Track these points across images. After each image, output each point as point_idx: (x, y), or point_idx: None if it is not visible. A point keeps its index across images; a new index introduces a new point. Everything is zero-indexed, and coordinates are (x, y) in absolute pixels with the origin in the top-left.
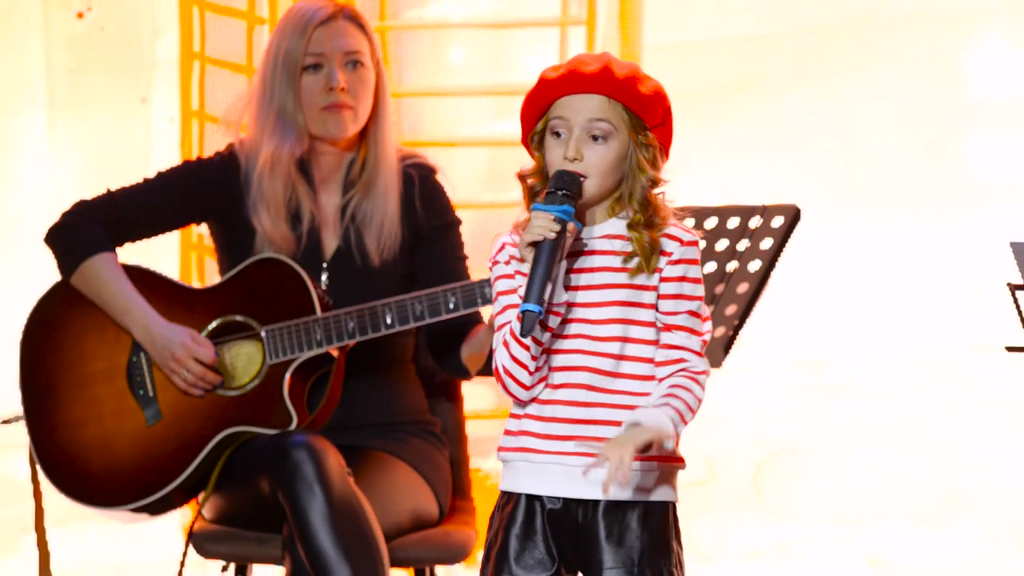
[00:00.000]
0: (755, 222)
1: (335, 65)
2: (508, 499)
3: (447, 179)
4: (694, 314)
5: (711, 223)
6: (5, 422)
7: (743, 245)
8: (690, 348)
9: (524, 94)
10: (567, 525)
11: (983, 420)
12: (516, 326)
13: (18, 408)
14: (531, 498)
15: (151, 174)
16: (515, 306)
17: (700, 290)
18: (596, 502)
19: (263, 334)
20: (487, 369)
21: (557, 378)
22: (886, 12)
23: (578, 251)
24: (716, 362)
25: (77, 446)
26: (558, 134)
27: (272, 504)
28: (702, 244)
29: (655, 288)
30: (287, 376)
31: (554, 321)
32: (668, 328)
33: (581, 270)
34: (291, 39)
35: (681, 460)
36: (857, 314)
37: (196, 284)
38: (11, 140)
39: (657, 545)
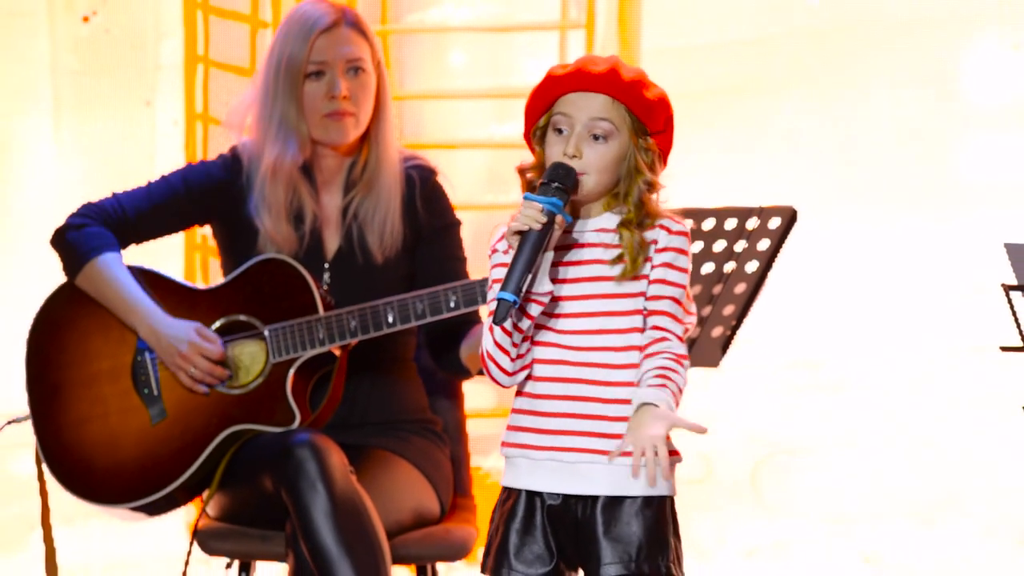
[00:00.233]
0: (752, 223)
1: (337, 73)
2: (509, 495)
3: (447, 180)
4: (677, 301)
5: (708, 224)
6: (12, 422)
7: (740, 246)
8: (673, 332)
9: (524, 97)
10: (567, 521)
11: (979, 419)
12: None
13: (24, 407)
14: (531, 494)
15: (155, 176)
16: None
17: (685, 279)
18: (594, 498)
19: (266, 333)
20: None
21: (547, 371)
22: (882, 16)
23: (569, 244)
24: (714, 362)
25: (82, 444)
26: (560, 130)
27: (275, 502)
28: (699, 246)
29: (645, 277)
30: (290, 375)
31: (536, 310)
32: (652, 313)
33: (571, 263)
34: (293, 45)
35: (677, 453)
36: (853, 314)
37: (200, 284)
38: (17, 142)
39: (655, 540)
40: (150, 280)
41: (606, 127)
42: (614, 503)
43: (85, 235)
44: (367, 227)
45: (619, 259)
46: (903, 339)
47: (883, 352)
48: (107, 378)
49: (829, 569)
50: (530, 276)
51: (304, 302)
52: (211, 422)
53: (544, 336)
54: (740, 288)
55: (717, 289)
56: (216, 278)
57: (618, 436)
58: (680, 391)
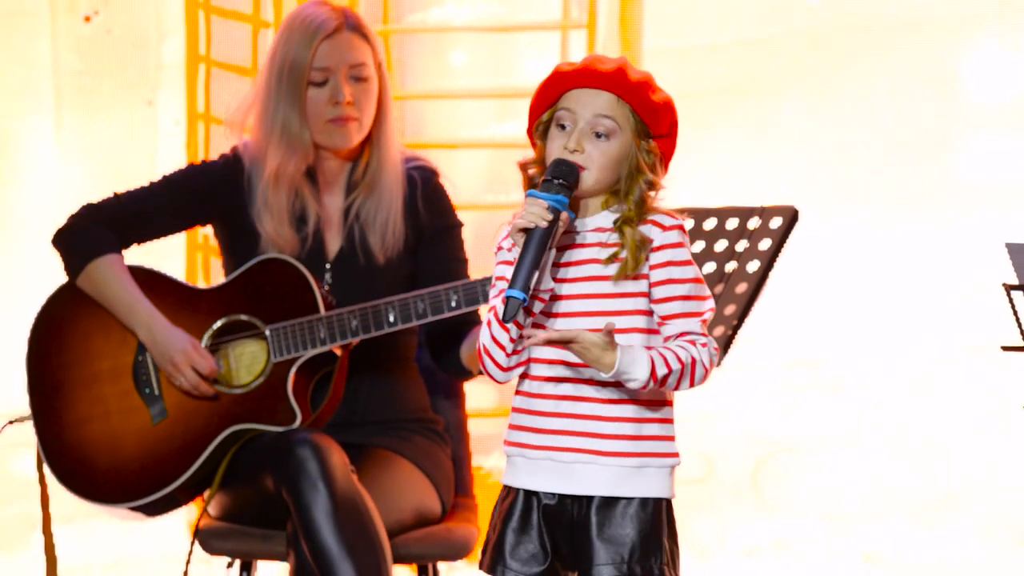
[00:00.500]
0: (753, 223)
1: (341, 78)
2: (508, 493)
3: (449, 181)
4: (688, 297)
5: (710, 224)
6: (13, 421)
7: (741, 246)
8: (692, 331)
9: (526, 97)
10: (562, 521)
11: (979, 418)
12: (501, 308)
13: (25, 407)
14: (528, 493)
15: (157, 176)
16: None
17: (691, 271)
18: (590, 498)
19: (267, 333)
20: None
21: (544, 371)
22: (883, 16)
23: (569, 242)
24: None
25: (83, 444)
26: (563, 126)
27: (276, 501)
28: (700, 246)
29: (645, 277)
30: (291, 374)
31: (538, 307)
32: (665, 319)
33: (569, 263)
34: (296, 50)
35: (676, 455)
36: (854, 314)
37: (202, 284)
38: (18, 142)
39: (648, 542)
40: (151, 280)
41: (609, 125)
42: (608, 504)
43: (86, 236)
44: (369, 228)
45: (614, 258)
46: (904, 339)
47: (884, 352)
48: (108, 378)
49: (829, 568)
50: (537, 273)
51: (305, 302)
52: (212, 422)
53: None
54: (741, 288)
55: (718, 289)
56: (218, 278)
57: (614, 437)
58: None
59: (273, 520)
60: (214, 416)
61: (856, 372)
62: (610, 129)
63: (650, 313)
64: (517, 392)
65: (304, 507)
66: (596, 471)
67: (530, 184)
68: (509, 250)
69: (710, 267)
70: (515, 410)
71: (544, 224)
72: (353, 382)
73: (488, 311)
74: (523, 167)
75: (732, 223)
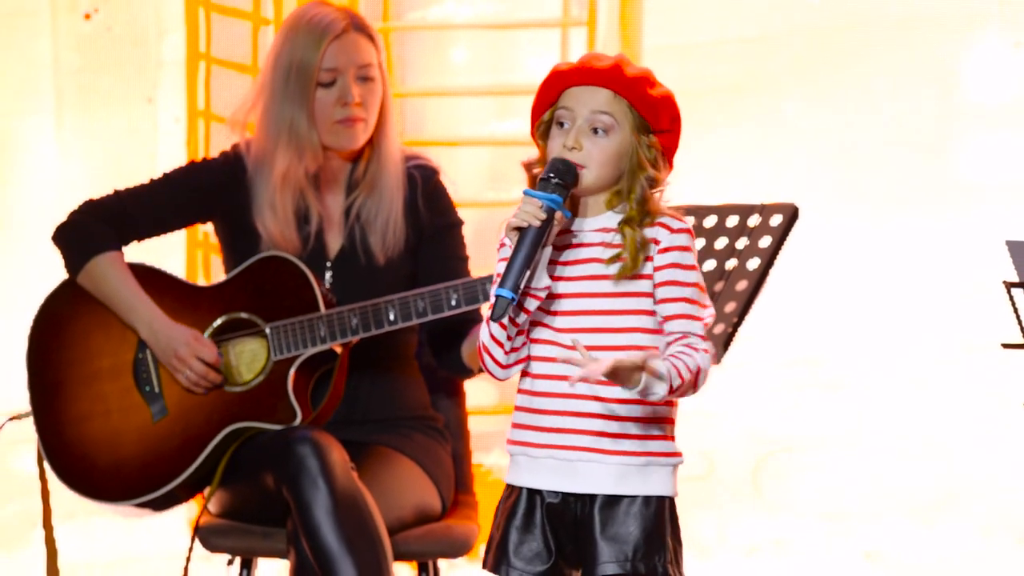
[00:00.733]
0: (754, 220)
1: (349, 79)
2: (511, 492)
3: (449, 179)
4: (691, 301)
5: (710, 221)
6: (13, 418)
7: (742, 243)
8: (693, 332)
9: (526, 94)
10: (566, 519)
11: (980, 417)
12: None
13: (26, 404)
14: (532, 492)
15: (157, 173)
16: None
17: (694, 276)
18: (593, 497)
19: (267, 331)
20: None
21: (546, 369)
22: (884, 14)
23: (569, 242)
24: (716, 359)
25: (84, 442)
26: (562, 124)
27: (277, 499)
28: (701, 243)
29: (649, 277)
30: (291, 372)
31: (533, 305)
32: (668, 318)
33: (571, 261)
34: (304, 52)
35: (678, 454)
36: (855, 312)
37: (202, 282)
38: (19, 140)
39: (652, 540)
40: (152, 277)
41: (606, 121)
42: (612, 502)
43: (87, 233)
44: (370, 228)
45: (616, 258)
46: (904, 337)
47: (884, 350)
48: (108, 375)
49: (830, 566)
50: (528, 272)
51: (306, 300)
52: (212, 420)
53: (543, 334)
54: (742, 285)
55: (719, 286)
56: (218, 275)
57: (618, 435)
58: (688, 368)
59: (273, 517)
60: (214, 414)
61: (857, 370)
62: (608, 125)
63: (653, 313)
64: (519, 391)
65: (304, 505)
66: (600, 469)
67: (534, 183)
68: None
69: (710, 264)
70: (518, 409)
71: (537, 223)
72: (353, 380)
73: (489, 308)
74: (527, 167)
75: (732, 220)
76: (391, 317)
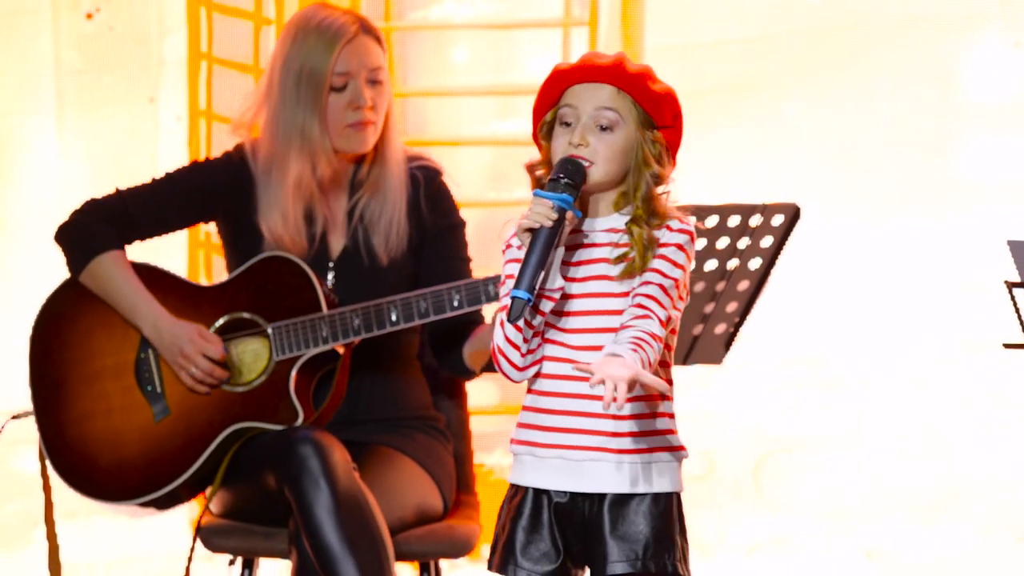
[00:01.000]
0: (755, 220)
1: (360, 83)
2: (516, 492)
3: (451, 180)
4: (665, 289)
5: (712, 221)
6: (16, 417)
7: (744, 243)
8: (655, 313)
9: (527, 94)
10: (574, 519)
11: (980, 416)
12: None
13: (27, 404)
14: (538, 492)
15: (159, 173)
16: None
17: (678, 273)
18: (602, 496)
19: (270, 331)
20: (492, 366)
21: (554, 369)
22: (884, 14)
23: (578, 242)
24: (717, 359)
25: (86, 441)
26: (567, 123)
27: (278, 499)
28: (702, 243)
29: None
30: (293, 372)
31: (548, 306)
32: (638, 294)
33: (579, 262)
34: (315, 56)
35: (683, 448)
36: (855, 312)
37: (203, 281)
38: (20, 140)
39: (662, 538)
40: (154, 277)
41: (611, 116)
42: (621, 501)
43: (89, 232)
44: (373, 228)
45: (622, 258)
46: (905, 336)
47: (885, 349)
48: (110, 375)
49: (831, 565)
50: (543, 273)
51: (308, 300)
52: (214, 420)
53: (551, 334)
54: (743, 285)
55: (720, 286)
56: (220, 275)
57: (625, 434)
58: (649, 364)
59: (275, 518)
60: (216, 414)
61: (857, 370)
62: (613, 121)
63: None
64: (528, 391)
65: (306, 505)
66: (608, 469)
67: (537, 185)
68: (519, 248)
69: (712, 264)
70: (525, 408)
71: (549, 224)
72: (355, 380)
73: (499, 311)
74: (530, 169)
75: (734, 220)
76: (393, 317)
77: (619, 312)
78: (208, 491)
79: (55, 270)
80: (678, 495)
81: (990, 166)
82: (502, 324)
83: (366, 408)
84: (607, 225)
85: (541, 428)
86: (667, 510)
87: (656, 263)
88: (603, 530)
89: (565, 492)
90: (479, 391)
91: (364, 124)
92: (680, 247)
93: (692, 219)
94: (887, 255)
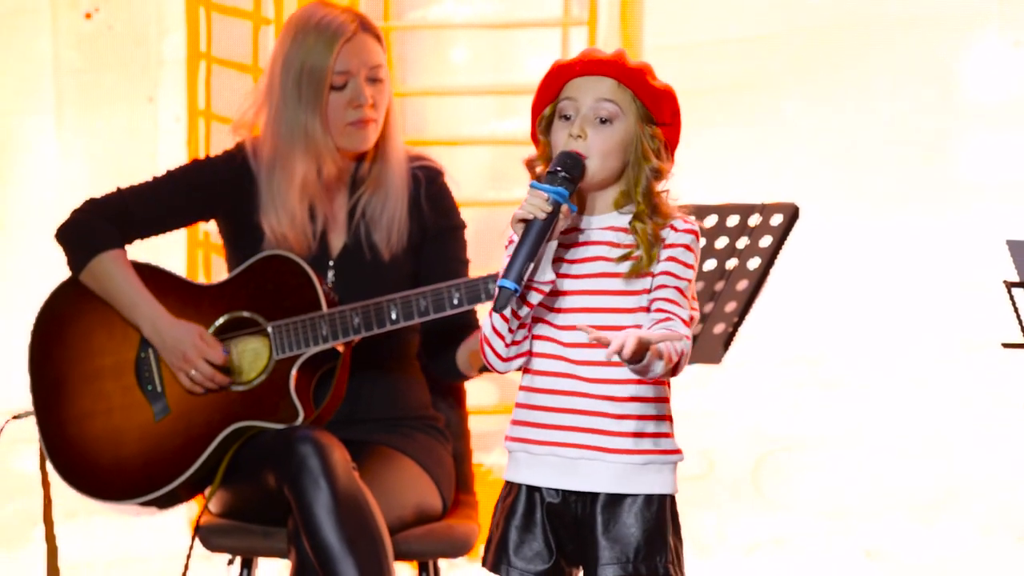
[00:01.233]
0: (754, 220)
1: (361, 81)
2: (510, 490)
3: (453, 181)
4: (682, 292)
5: (711, 221)
6: (16, 417)
7: (742, 243)
8: (677, 315)
9: (526, 93)
10: (566, 518)
11: (980, 416)
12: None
13: (27, 403)
14: (531, 490)
15: (159, 172)
16: None
17: (689, 274)
18: (594, 496)
19: (270, 330)
20: None
21: (548, 366)
22: (884, 13)
23: (576, 239)
24: (716, 358)
25: (86, 440)
26: (566, 117)
27: (278, 498)
28: (702, 242)
29: (652, 275)
30: (293, 371)
31: (536, 298)
32: (656, 299)
33: (576, 259)
34: (316, 55)
35: (679, 451)
36: (855, 311)
37: (203, 280)
38: (20, 139)
39: (654, 540)
40: (154, 276)
41: (611, 109)
42: (614, 502)
43: (89, 231)
44: (374, 225)
45: (626, 257)
46: (904, 335)
47: (884, 348)
48: (110, 374)
49: (830, 565)
50: (532, 265)
51: (308, 299)
52: (214, 419)
53: (546, 331)
54: (742, 285)
55: (719, 286)
56: (219, 275)
57: (620, 434)
58: (677, 355)
59: (274, 517)
60: (216, 413)
61: (857, 369)
62: (612, 113)
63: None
64: (521, 388)
65: (306, 504)
66: (601, 468)
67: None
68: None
69: (711, 264)
70: (519, 405)
71: (543, 216)
72: (355, 380)
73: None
74: (529, 165)
75: (733, 220)
76: (393, 316)
77: (617, 310)
78: (207, 490)
79: (55, 270)
80: (672, 497)
81: (990, 166)
82: (490, 314)
83: (366, 408)
84: (605, 223)
85: (535, 425)
86: (659, 512)
87: (667, 265)
88: (595, 530)
89: (557, 492)
90: (478, 391)
91: (365, 122)
92: (688, 247)
93: (693, 218)
94: (887, 255)
